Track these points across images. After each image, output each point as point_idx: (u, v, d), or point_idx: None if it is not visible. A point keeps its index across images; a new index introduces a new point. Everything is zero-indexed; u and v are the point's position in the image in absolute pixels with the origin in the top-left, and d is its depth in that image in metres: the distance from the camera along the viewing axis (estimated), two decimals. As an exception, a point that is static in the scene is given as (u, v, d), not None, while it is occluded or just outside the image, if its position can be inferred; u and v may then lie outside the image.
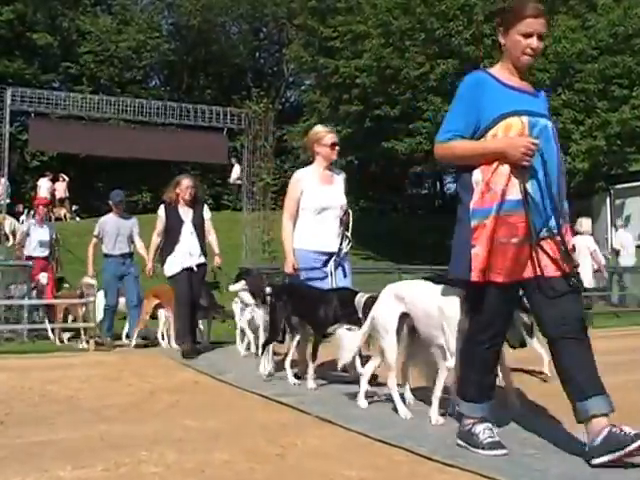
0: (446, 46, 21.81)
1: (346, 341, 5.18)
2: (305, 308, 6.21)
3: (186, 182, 8.86)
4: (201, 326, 9.68)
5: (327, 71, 24.77)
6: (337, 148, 6.83)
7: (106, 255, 10.59)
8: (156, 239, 8.99)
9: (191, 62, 38.84)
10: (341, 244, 6.61)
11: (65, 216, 25.61)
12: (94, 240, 10.72)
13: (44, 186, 25.34)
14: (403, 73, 22.22)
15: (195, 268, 8.73)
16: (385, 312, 4.88)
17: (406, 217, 29.27)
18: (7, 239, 17.01)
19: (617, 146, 20.18)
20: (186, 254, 8.70)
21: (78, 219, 25.89)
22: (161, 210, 8.96)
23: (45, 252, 12.06)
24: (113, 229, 10.55)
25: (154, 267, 9.16)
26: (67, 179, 26.41)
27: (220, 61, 39.29)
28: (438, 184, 40.11)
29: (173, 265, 8.65)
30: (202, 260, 8.87)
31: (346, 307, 5.75)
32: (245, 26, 41.69)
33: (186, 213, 8.86)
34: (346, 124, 24.28)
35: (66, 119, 14.97)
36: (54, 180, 25.95)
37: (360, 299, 5.61)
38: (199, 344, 9.15)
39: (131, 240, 10.68)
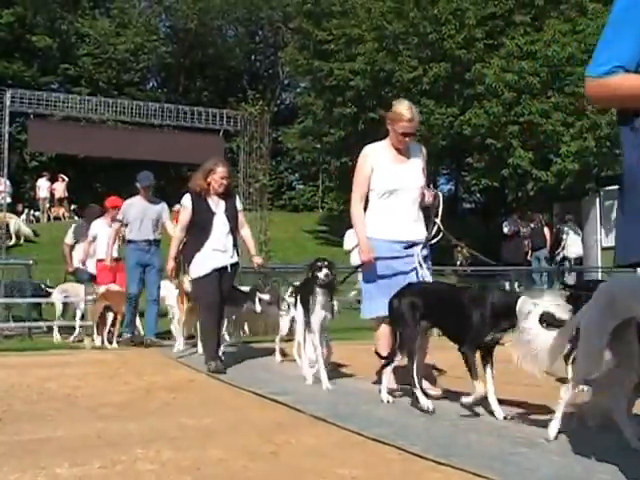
0: (438, 50, 21.90)
1: (545, 341, 3.98)
2: (448, 314, 4.92)
3: (221, 171, 7.38)
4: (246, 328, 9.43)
5: (322, 74, 24.84)
6: (407, 140, 5.82)
7: (129, 241, 9.84)
8: (180, 234, 7.61)
9: (188, 64, 38.87)
10: (429, 233, 5.73)
11: (64, 215, 25.62)
12: (116, 225, 10.03)
13: (43, 186, 25.40)
14: (396, 76, 22.31)
15: (229, 268, 7.39)
16: (599, 319, 3.56)
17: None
18: (10, 238, 16.95)
19: (607, 147, 20.24)
20: (217, 252, 7.27)
21: (77, 218, 25.91)
22: (187, 200, 7.48)
23: (117, 253, 10.87)
24: (138, 213, 9.75)
25: (177, 268, 7.86)
26: (66, 179, 26.42)
27: (216, 64, 39.34)
28: (431, 186, 40.15)
29: (202, 265, 7.24)
30: (236, 259, 7.51)
31: (503, 315, 4.51)
32: (241, 29, 41.79)
33: (217, 204, 7.42)
34: (340, 126, 24.35)
35: (65, 120, 14.92)
36: (52, 180, 25.96)
37: (524, 306, 4.27)
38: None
39: (158, 227, 9.93)
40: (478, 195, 35.33)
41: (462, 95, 22.32)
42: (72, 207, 26.83)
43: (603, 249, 18.52)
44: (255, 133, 15.14)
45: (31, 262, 11.83)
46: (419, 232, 5.80)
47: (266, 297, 8.21)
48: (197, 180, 7.42)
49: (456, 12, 21.38)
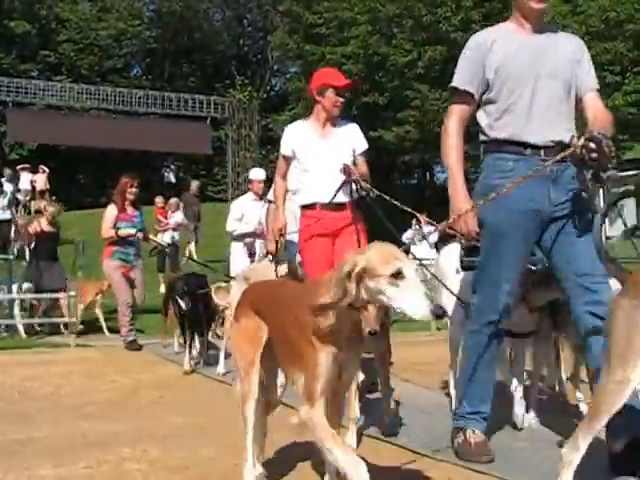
0: (434, 33, 21.84)
1: None
2: None
3: None
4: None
5: (313, 58, 24.75)
6: None
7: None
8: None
9: (173, 50, 38.67)
10: None
11: (46, 208, 25.50)
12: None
13: (23, 178, 25.24)
14: (390, 60, 22.26)
15: None
16: None
17: (396, 206, 29.36)
18: None
19: (610, 133, 20.33)
20: None
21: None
22: None
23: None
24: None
25: None
26: (47, 170, 26.26)
27: (203, 49, 39.15)
28: (428, 174, 40.18)
29: None
30: None
31: None
32: (228, 13, 41.59)
33: None
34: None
35: (45, 109, 14.89)
36: (33, 172, 25.82)
37: None
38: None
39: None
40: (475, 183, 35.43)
41: (458, 80, 22.36)
42: (53, 198, 26.75)
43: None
44: (244, 120, 15.15)
45: (12, 257, 11.84)
46: None
47: None
48: None
49: (452, -7, 21.39)
